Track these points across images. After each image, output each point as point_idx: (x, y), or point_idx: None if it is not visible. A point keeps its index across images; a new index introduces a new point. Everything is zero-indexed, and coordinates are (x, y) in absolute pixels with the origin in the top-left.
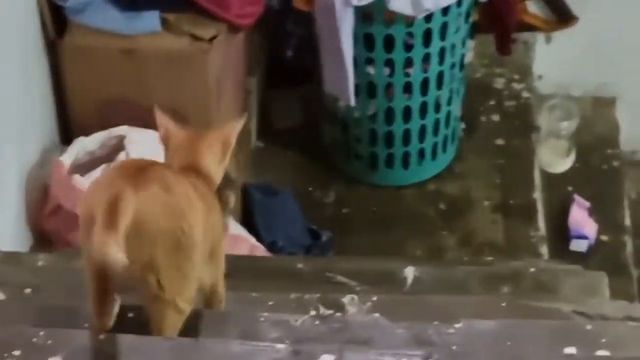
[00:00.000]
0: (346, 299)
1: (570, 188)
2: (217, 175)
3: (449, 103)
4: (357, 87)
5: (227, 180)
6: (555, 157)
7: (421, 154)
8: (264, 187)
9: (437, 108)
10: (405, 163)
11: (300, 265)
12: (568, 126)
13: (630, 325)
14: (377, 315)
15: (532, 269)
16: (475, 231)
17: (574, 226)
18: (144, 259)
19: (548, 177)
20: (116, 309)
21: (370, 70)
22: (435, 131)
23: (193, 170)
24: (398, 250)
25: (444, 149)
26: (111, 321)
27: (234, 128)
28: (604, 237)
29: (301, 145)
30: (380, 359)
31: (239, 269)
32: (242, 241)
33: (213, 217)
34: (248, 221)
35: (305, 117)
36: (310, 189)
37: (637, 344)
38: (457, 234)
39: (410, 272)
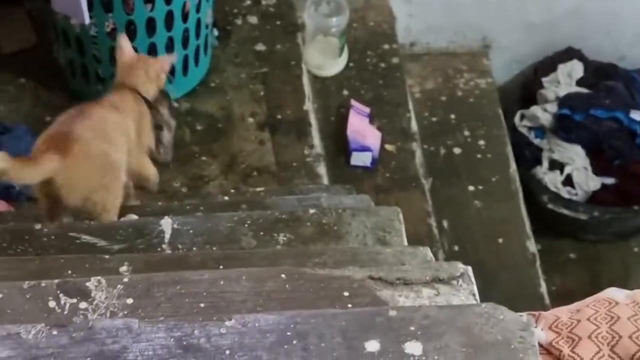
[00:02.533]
0: (91, 283)
1: (345, 93)
2: (147, 91)
3: (197, 10)
4: (90, 1)
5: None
6: (325, 59)
7: (170, 70)
8: None
9: (185, 16)
10: None
11: (38, 227)
12: (337, 22)
13: (439, 302)
14: (129, 320)
15: (312, 211)
16: (241, 154)
17: (354, 137)
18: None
19: (319, 83)
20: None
21: None
22: (185, 43)
23: (127, 85)
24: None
25: (196, 62)
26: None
27: (169, 59)
28: (389, 147)
29: (34, 70)
30: None
31: None
32: None
33: (140, 119)
34: None
35: (37, 37)
36: (48, 119)
37: (451, 328)
38: (219, 159)
39: (167, 224)
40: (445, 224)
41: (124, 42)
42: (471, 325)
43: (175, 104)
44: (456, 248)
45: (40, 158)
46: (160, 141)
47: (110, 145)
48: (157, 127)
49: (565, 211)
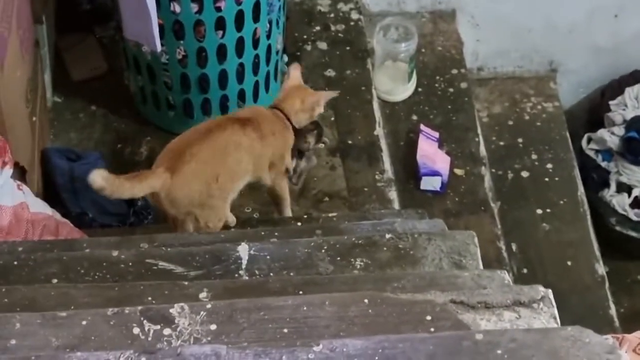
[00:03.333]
0: (175, 310)
1: (415, 118)
2: (298, 119)
3: (268, 36)
4: (162, 29)
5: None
6: (394, 84)
7: (241, 96)
8: (66, 149)
9: (255, 43)
10: (224, 108)
11: (115, 254)
12: (406, 47)
13: (520, 325)
14: (216, 346)
15: (388, 236)
16: (313, 180)
17: (423, 162)
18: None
19: (389, 108)
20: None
21: (176, 7)
22: (255, 69)
23: (281, 109)
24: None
25: (267, 88)
26: None
27: (326, 95)
28: (458, 171)
29: (105, 97)
30: None
31: (40, 265)
32: (44, 219)
33: (282, 143)
34: (50, 192)
35: (107, 64)
36: (120, 146)
37: (537, 352)
38: (290, 185)
39: (244, 250)
40: (514, 247)
41: (293, 70)
42: (558, 349)
43: (326, 140)
44: (525, 271)
45: (147, 175)
46: (295, 169)
47: (223, 168)
48: (299, 155)
49: (633, 233)
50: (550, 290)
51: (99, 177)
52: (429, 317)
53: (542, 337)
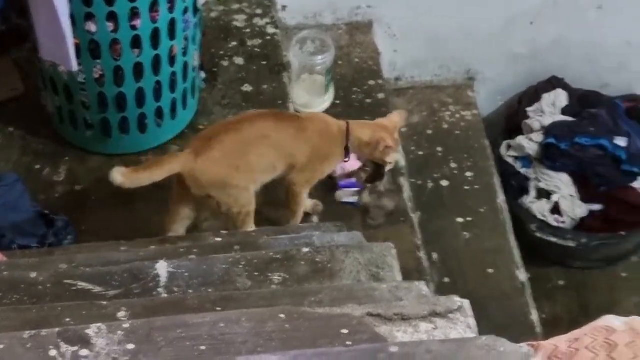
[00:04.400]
0: (92, 330)
1: None
2: (354, 143)
3: (184, 53)
4: (78, 48)
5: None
6: (312, 97)
7: (159, 113)
8: None
9: (172, 61)
10: (142, 126)
11: (34, 275)
12: (322, 60)
13: (437, 336)
14: None
15: (305, 250)
16: None
17: (341, 173)
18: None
19: None
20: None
21: (92, 27)
22: (172, 87)
23: (348, 124)
24: (145, 228)
25: (184, 105)
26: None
27: (392, 142)
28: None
29: (22, 118)
30: None
31: None
32: None
33: (325, 154)
34: None
35: (24, 85)
36: (38, 167)
37: None
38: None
39: (162, 268)
40: (435, 256)
41: (397, 114)
42: (473, 358)
43: (381, 188)
44: (446, 280)
45: (167, 160)
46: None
47: (244, 159)
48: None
49: (553, 239)
50: (467, 301)
51: (118, 175)
52: (345, 331)
53: (457, 347)
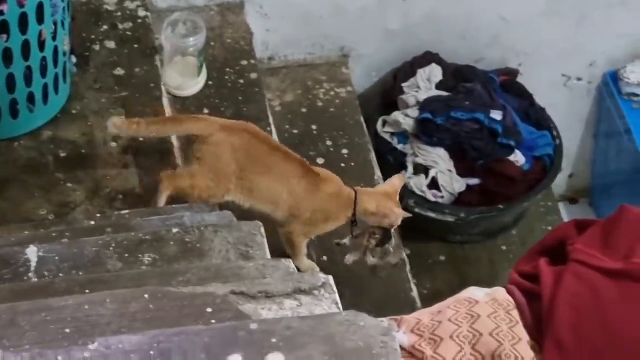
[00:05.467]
0: None
1: (206, 111)
2: (361, 212)
3: (54, 38)
4: None
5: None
6: (184, 79)
7: (30, 99)
8: None
9: (42, 46)
10: (14, 112)
11: None
12: (194, 41)
13: (302, 312)
14: None
15: (175, 230)
16: (105, 179)
17: None
18: None
19: (180, 103)
20: None
21: None
22: (43, 72)
23: (356, 192)
24: (19, 213)
25: (56, 90)
26: None
27: (401, 214)
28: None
29: None
30: None
31: None
32: None
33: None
34: None
35: None
36: None
37: (313, 338)
38: (84, 185)
39: (32, 252)
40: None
41: (397, 179)
42: (333, 334)
43: (390, 251)
44: (324, 258)
45: (194, 120)
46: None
47: (252, 175)
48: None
49: (432, 214)
50: (331, 277)
51: (111, 127)
52: (209, 310)
53: (317, 323)
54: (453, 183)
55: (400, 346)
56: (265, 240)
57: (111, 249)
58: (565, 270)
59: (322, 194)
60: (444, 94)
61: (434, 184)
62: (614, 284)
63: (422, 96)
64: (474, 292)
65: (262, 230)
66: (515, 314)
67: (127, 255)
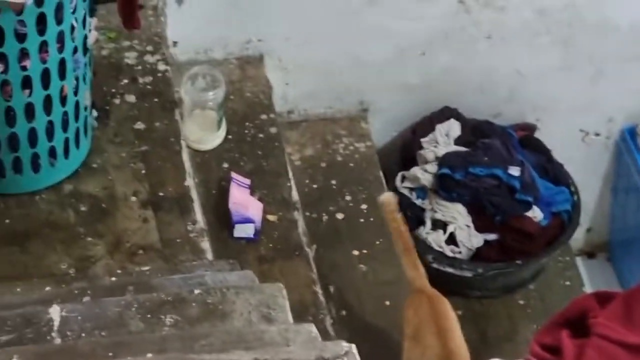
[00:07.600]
0: None
1: (226, 165)
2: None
3: (75, 93)
4: None
5: None
6: (204, 133)
7: (52, 153)
8: None
9: (63, 100)
10: (35, 166)
11: None
12: (214, 95)
13: None
14: None
15: (197, 291)
16: (125, 233)
17: (236, 209)
18: None
19: (199, 157)
20: None
21: None
22: (65, 126)
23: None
24: (40, 267)
25: (77, 144)
26: None
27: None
28: (271, 217)
29: None
30: None
31: None
32: None
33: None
34: None
35: None
36: None
37: None
38: (104, 239)
39: (55, 312)
40: (331, 289)
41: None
42: None
43: None
44: (344, 313)
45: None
46: None
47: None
48: None
49: (450, 269)
50: (354, 345)
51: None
52: None
53: None
54: (471, 238)
55: None
56: (287, 303)
57: (133, 309)
58: (587, 344)
59: None
60: (463, 149)
61: (452, 240)
62: (636, 359)
63: (441, 151)
64: None
65: (284, 292)
66: None
67: (149, 316)
